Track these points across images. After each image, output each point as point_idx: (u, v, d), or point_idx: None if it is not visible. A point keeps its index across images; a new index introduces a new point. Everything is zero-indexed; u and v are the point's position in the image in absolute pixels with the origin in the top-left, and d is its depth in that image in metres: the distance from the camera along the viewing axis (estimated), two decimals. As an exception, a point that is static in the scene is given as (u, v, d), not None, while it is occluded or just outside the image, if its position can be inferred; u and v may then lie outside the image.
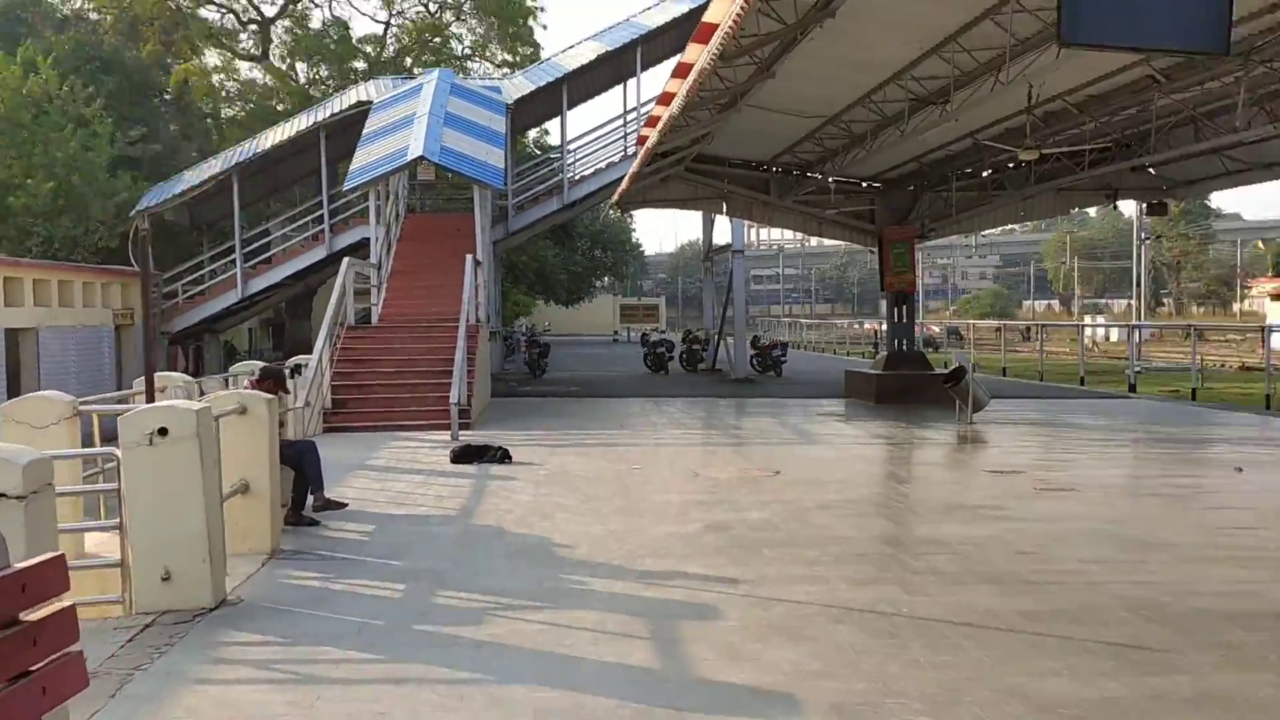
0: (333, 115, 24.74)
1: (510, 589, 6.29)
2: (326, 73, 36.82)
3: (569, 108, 26.30)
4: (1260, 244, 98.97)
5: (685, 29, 25.92)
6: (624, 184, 18.52)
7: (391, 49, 38.43)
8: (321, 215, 24.55)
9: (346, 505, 8.71)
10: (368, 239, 20.75)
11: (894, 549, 7.36)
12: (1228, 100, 12.94)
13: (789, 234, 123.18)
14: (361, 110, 24.00)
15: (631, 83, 27.44)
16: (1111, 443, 14.55)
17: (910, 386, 19.32)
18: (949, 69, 12.40)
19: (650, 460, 11.84)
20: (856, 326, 61.94)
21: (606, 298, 71.70)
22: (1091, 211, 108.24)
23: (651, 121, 17.80)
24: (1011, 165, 19.71)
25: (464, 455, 11.56)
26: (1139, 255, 47.75)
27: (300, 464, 8.37)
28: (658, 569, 6.79)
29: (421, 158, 19.04)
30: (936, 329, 57.33)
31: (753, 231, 59.85)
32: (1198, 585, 6.30)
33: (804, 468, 11.33)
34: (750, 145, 19.00)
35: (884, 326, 54.70)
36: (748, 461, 11.79)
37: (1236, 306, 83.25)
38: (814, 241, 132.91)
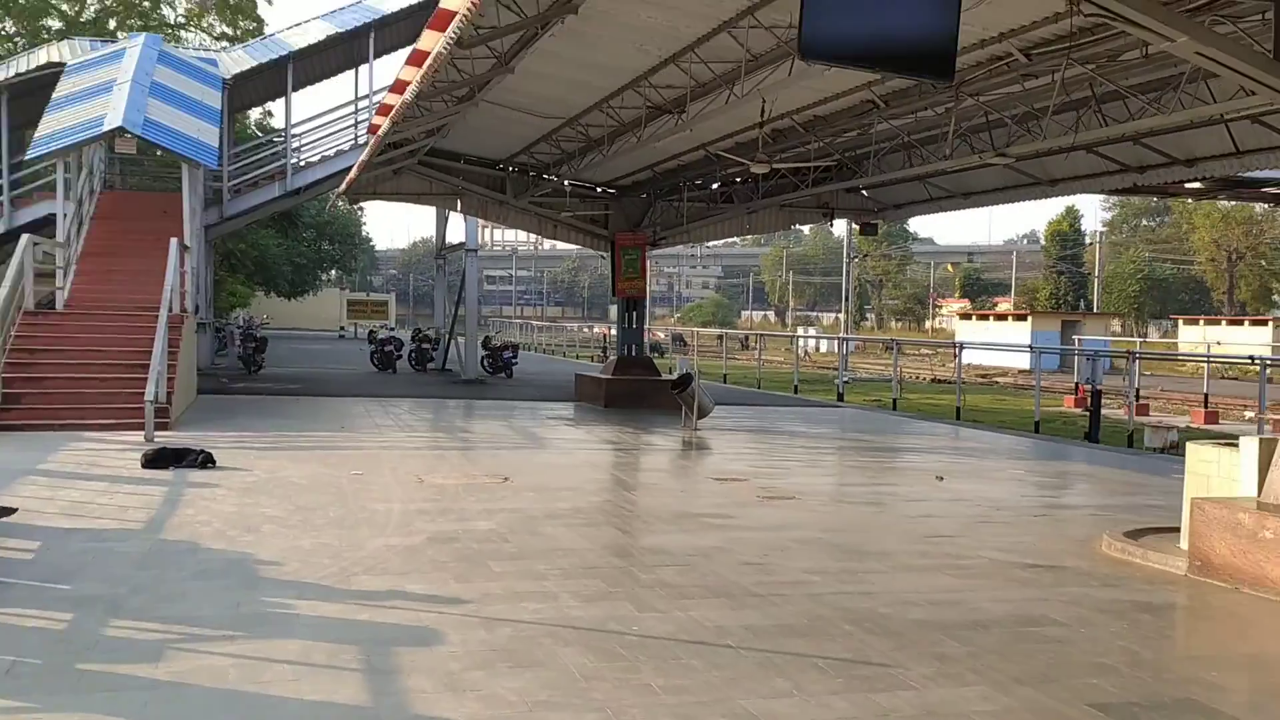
0: (18, 75, 21.99)
1: (200, 616, 5.55)
2: (14, 29, 32.97)
3: (294, 89, 24.76)
4: (950, 267, 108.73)
5: (421, 18, 25.07)
6: (353, 173, 17.58)
7: (92, 9, 34.94)
8: (0, 186, 21.79)
9: (15, 510, 7.55)
10: (55, 215, 18.61)
11: (623, 561, 7.16)
12: (936, 130, 13.79)
13: (523, 235, 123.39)
14: (53, 72, 21.45)
15: (364, 69, 26.27)
16: (826, 450, 15.19)
17: (639, 391, 19.51)
18: (686, 79, 12.49)
19: (372, 465, 11.15)
20: (586, 330, 62.74)
21: (333, 292, 68.84)
22: (805, 229, 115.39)
23: (384, 109, 16.99)
24: (739, 180, 20.34)
25: (158, 459, 10.43)
26: (847, 272, 51.03)
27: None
28: (374, 588, 6.24)
29: (121, 129, 17.22)
30: (662, 335, 58.94)
31: (487, 231, 59.29)
32: (912, 595, 6.46)
33: (534, 474, 11.01)
34: (487, 143, 18.54)
35: (613, 331, 55.89)
36: (476, 467, 11.34)
37: (929, 323, 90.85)
38: (547, 244, 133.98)
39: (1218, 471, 7.61)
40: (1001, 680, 4.90)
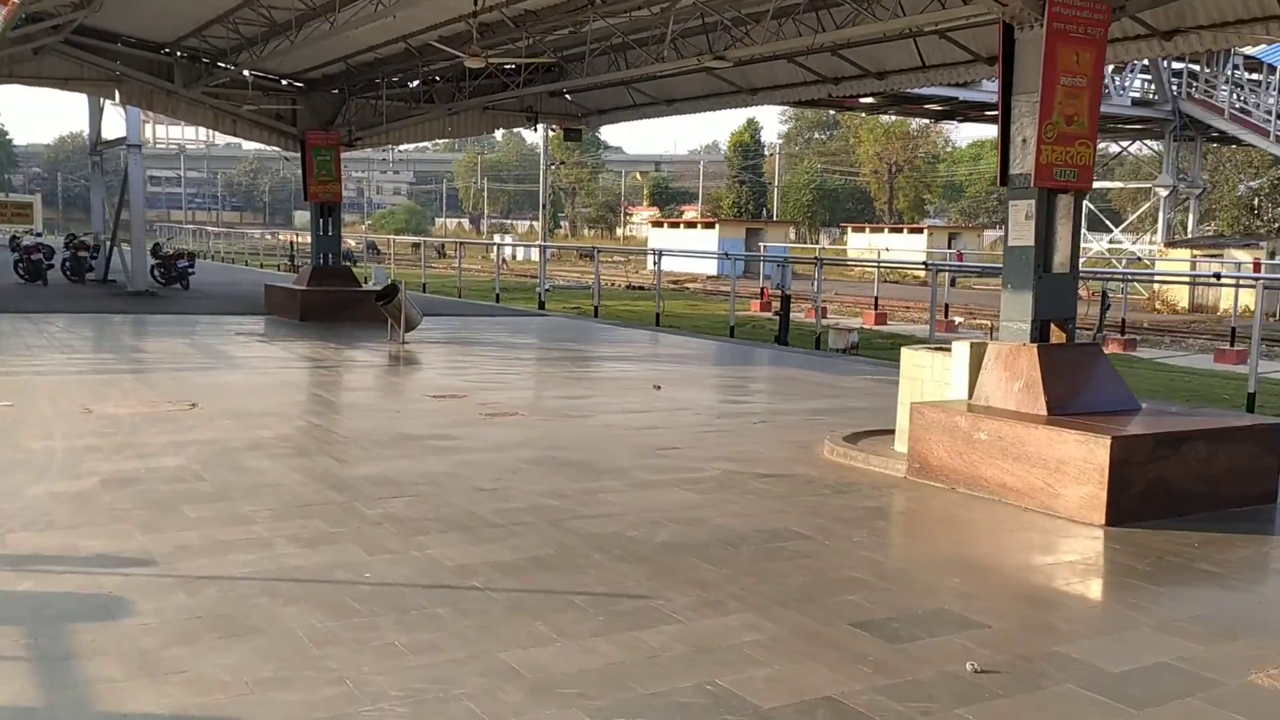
0: None
1: None
2: None
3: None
4: (639, 175, 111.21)
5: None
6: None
7: None
8: None
9: None
10: None
11: (344, 495, 6.43)
12: (648, 32, 13.46)
13: (191, 133, 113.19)
14: None
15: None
16: (541, 362, 14.85)
17: (337, 303, 18.28)
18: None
19: (25, 395, 9.58)
20: (270, 237, 58.82)
21: (-37, 192, 60.24)
22: (499, 135, 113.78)
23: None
24: (440, 79, 19.25)
25: None
26: (545, 180, 50.65)
27: None
28: (37, 549, 5.19)
29: None
30: (354, 243, 56.23)
31: (149, 127, 53.74)
32: (654, 515, 6.21)
33: (226, 398, 9.88)
34: (150, 21, 16.31)
35: (301, 238, 52.61)
36: (155, 392, 10.03)
37: (620, 231, 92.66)
38: (221, 142, 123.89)
39: (931, 376, 7.89)
40: (763, 604, 4.72)
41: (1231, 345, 22.60)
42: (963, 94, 30.57)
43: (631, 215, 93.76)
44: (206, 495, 6.32)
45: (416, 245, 57.22)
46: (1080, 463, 6.24)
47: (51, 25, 15.61)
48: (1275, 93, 33.51)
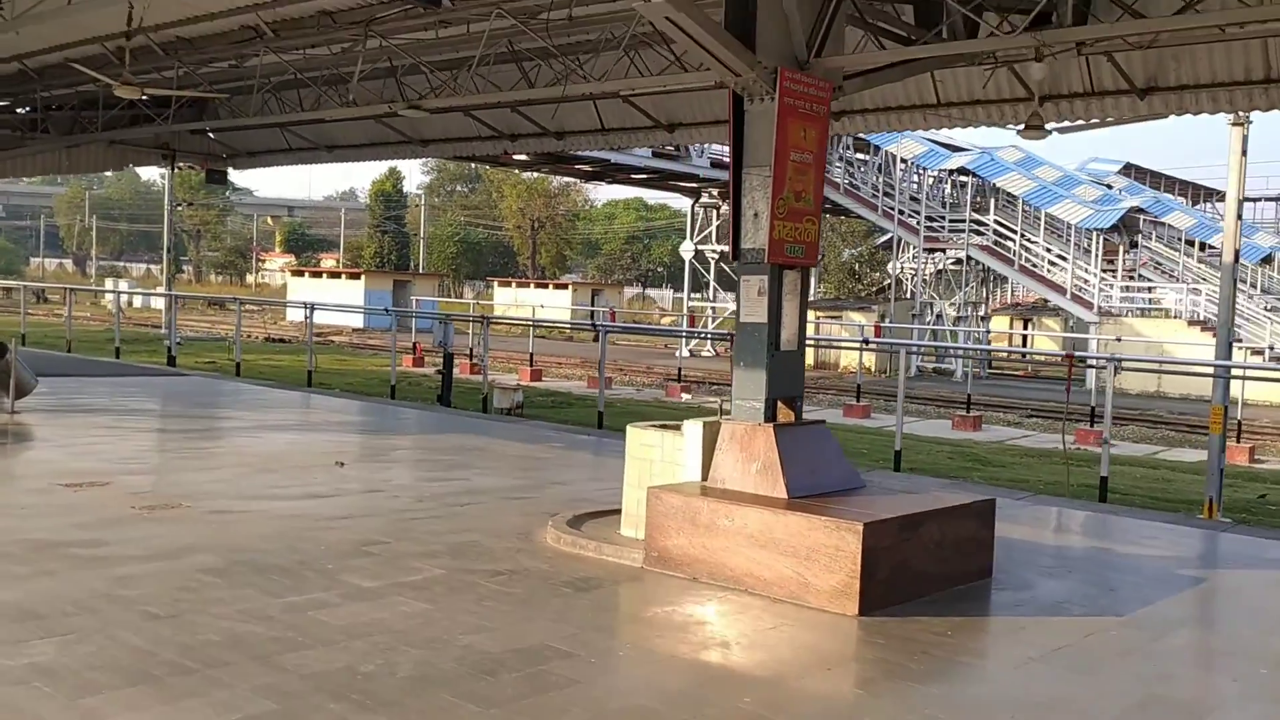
0: None
1: None
2: None
3: None
4: (270, 220, 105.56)
5: None
6: None
7: None
8: None
9: None
10: None
11: (-32, 640, 4.95)
12: (319, 73, 12.39)
13: None
14: None
15: None
16: (189, 433, 13.07)
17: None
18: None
19: None
20: None
21: None
22: (109, 172, 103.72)
23: None
24: (56, 107, 16.83)
25: None
26: (170, 222, 46.49)
27: None
28: None
29: None
30: None
31: None
32: (385, 639, 5.29)
33: None
34: None
35: None
36: None
37: (251, 278, 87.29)
38: None
39: (660, 456, 7.52)
40: (553, 755, 4.01)
41: (858, 400, 24.59)
42: (614, 156, 31.43)
43: (264, 261, 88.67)
44: None
45: (8, 290, 50.51)
46: (832, 550, 6.07)
47: None
48: (877, 171, 37.43)
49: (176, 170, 19.28)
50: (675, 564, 6.73)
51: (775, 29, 6.89)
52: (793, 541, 6.22)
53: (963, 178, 38.19)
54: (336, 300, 44.84)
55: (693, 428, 7.33)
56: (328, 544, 7.20)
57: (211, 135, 18.81)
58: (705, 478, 7.14)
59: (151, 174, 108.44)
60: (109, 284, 64.78)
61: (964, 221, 34.85)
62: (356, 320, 46.15)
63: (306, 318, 24.01)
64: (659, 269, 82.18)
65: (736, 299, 7.29)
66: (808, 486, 6.80)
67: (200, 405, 15.64)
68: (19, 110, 16.88)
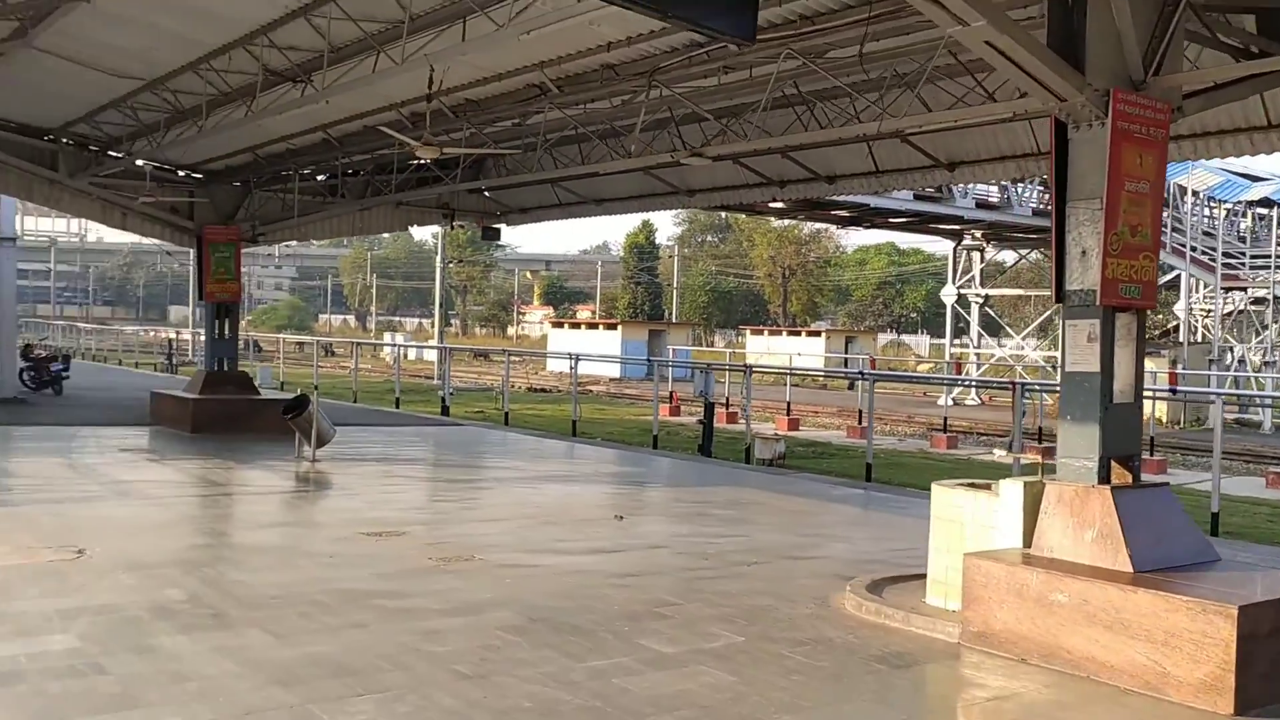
0: None
1: None
2: None
3: None
4: (529, 274, 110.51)
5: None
6: None
7: None
8: None
9: None
10: None
11: (295, 695, 4.98)
12: (595, 127, 12.55)
13: (63, 224, 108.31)
14: None
15: None
16: (475, 485, 13.45)
17: (234, 413, 16.57)
18: (318, 39, 10.19)
19: None
20: (145, 334, 55.79)
21: None
22: (386, 234, 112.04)
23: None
24: (351, 173, 18.03)
25: None
26: (442, 278, 49.36)
27: None
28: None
29: None
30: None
31: (19, 218, 50.71)
32: (693, 713, 4.96)
33: (119, 540, 8.26)
34: (33, 104, 14.70)
35: (178, 335, 49.86)
36: (32, 533, 8.33)
37: (511, 330, 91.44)
38: (93, 237, 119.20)
39: (972, 518, 6.87)
40: None
41: (1150, 454, 22.44)
42: (874, 200, 30.62)
43: (524, 314, 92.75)
44: (111, 700, 4.81)
45: (301, 344, 55.04)
46: (1197, 637, 5.24)
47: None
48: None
49: (451, 229, 20.12)
50: (999, 642, 6.06)
51: (1106, 47, 6.22)
52: (1146, 623, 5.44)
53: (1263, 209, 34.75)
54: (594, 350, 45.97)
55: (1011, 488, 6.65)
56: (619, 604, 6.99)
57: (486, 194, 19.60)
58: (1028, 545, 6.44)
59: (423, 234, 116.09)
60: (387, 338, 69.56)
61: (1269, 257, 31.57)
62: (613, 370, 47.17)
63: (571, 368, 24.55)
64: (912, 314, 79.81)
65: (1061, 346, 6.58)
66: (1155, 559, 5.97)
67: (477, 454, 16.14)
68: (319, 178, 18.22)
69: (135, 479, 11.89)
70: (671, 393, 33.12)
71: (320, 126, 13.86)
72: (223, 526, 9.77)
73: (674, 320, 62.66)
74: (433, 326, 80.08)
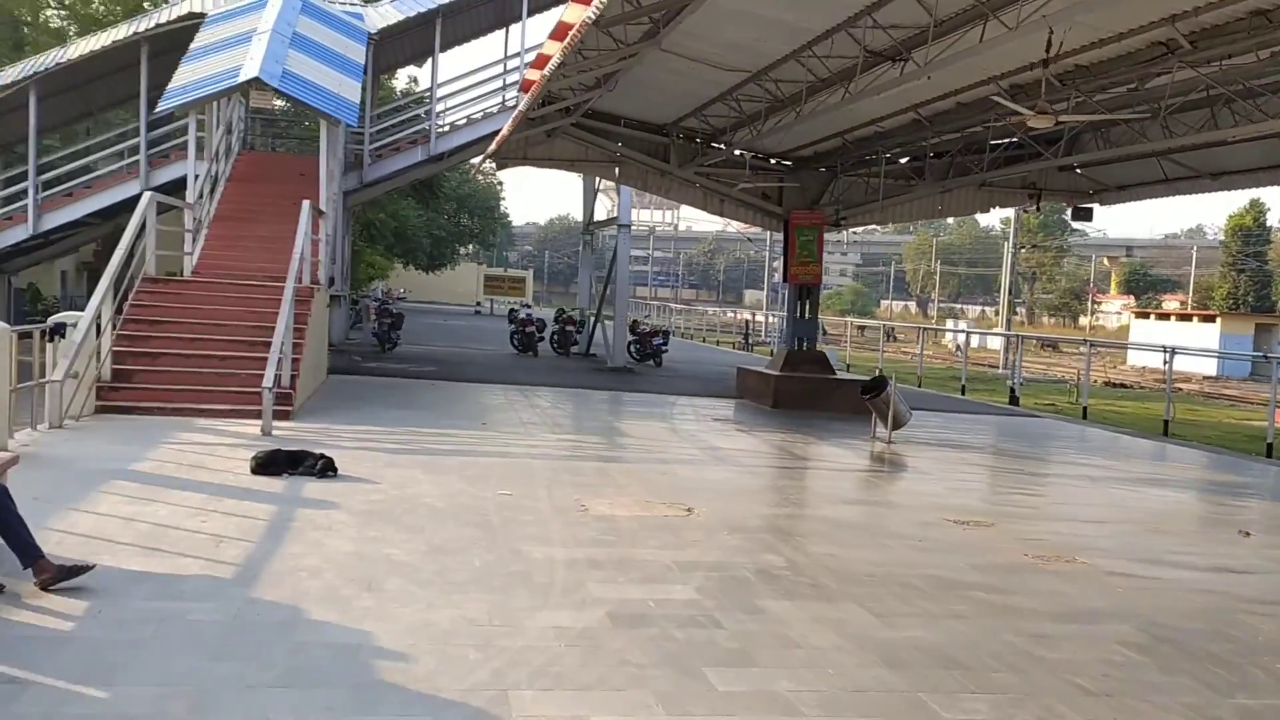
0: (158, 26, 20.70)
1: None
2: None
3: (442, 49, 22.98)
4: (1106, 260, 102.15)
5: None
6: (505, 129, 15.59)
7: None
8: (138, 144, 20.63)
9: (89, 569, 5.53)
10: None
11: (902, 678, 4.84)
12: (1227, 88, 10.94)
13: (658, 215, 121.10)
14: (194, 23, 20.16)
15: (515, 27, 24.48)
16: (1055, 478, 12.55)
17: (812, 391, 17.13)
18: (920, 15, 9.99)
19: (521, 481, 9.11)
20: (726, 314, 60.37)
21: (471, 266, 67.80)
22: (950, 220, 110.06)
23: (540, 61, 15.05)
24: (933, 155, 17.67)
25: (270, 464, 8.59)
26: (1012, 264, 47.27)
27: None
28: (546, 716, 4.11)
29: (256, 79, 15.66)
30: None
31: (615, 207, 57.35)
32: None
33: (719, 501, 8.79)
34: (653, 103, 16.33)
35: (754, 317, 53.19)
36: (647, 489, 9.17)
37: (1084, 320, 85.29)
38: (683, 225, 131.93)
39: None
40: None
41: None
42: None
43: (1100, 303, 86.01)
44: (730, 655, 5.01)
45: (862, 328, 55.98)
46: None
47: (563, 107, 16.08)
48: None
49: (1038, 210, 18.94)
50: None
51: None
52: None
53: None
54: (1187, 344, 41.21)
55: None
56: (1264, 635, 5.97)
57: (1078, 170, 18.21)
58: None
59: (990, 220, 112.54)
60: (949, 324, 68.34)
61: None
62: (1208, 367, 42.02)
63: (1166, 362, 22.12)
64: None
65: None
66: None
67: (1055, 448, 15.07)
68: (901, 160, 18.16)
69: (728, 446, 12.69)
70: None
71: (911, 107, 13.72)
72: (808, 498, 10.04)
73: (1288, 313, 54.07)
74: (997, 314, 77.17)
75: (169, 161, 21.00)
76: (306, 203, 14.43)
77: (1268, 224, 68.54)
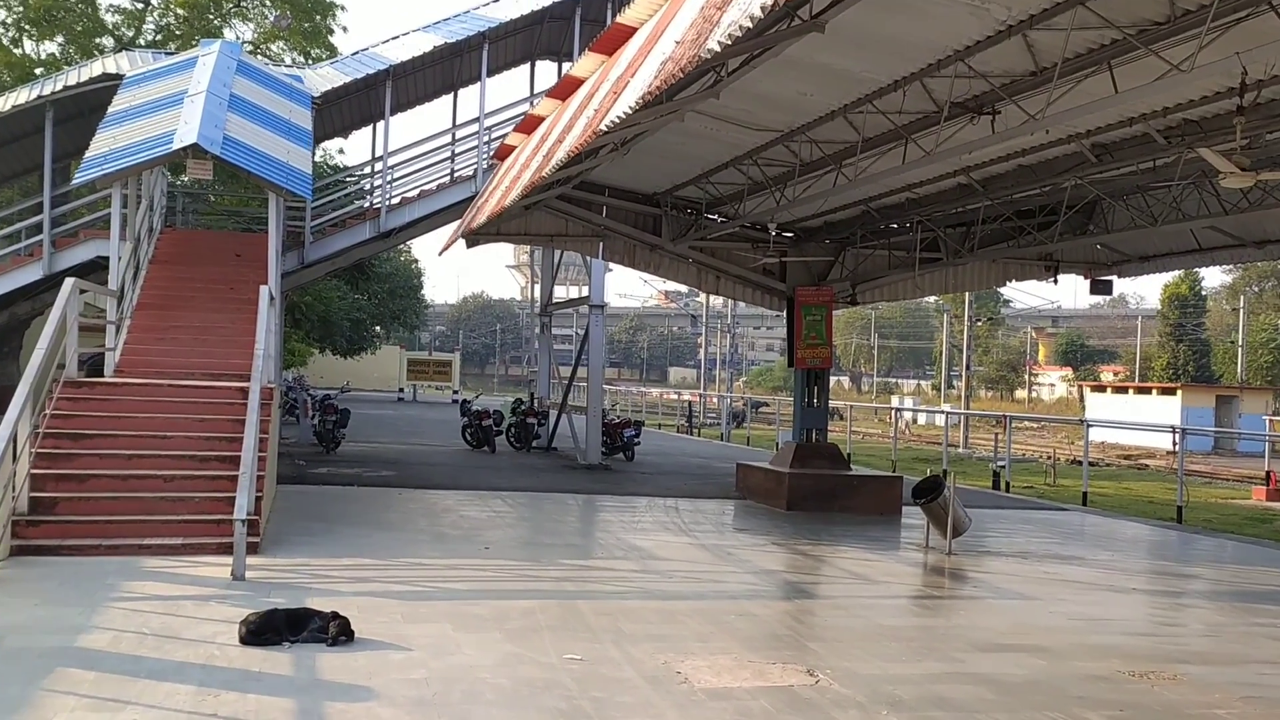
0: (66, 88, 18.13)
1: None
2: (61, 50, 29.33)
3: (392, 112, 20.97)
4: (1034, 332, 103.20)
5: (538, 30, 21.51)
6: (493, 208, 13.64)
7: (150, 30, 31.21)
8: (40, 223, 17.92)
9: None
10: (106, 258, 14.92)
11: None
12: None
13: (574, 291, 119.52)
14: (109, 86, 17.78)
15: (464, 91, 22.92)
16: (1172, 595, 10.82)
17: (828, 490, 15.26)
18: (1027, 59, 8.40)
19: (580, 634, 7.03)
20: (660, 395, 58.43)
21: (392, 350, 64.77)
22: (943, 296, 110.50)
23: (529, 123, 13.34)
24: (953, 225, 16.20)
25: (265, 629, 6.41)
26: (969, 340, 46.64)
27: None
28: None
29: (195, 146, 13.51)
30: (741, 402, 54.15)
31: (537, 286, 55.47)
32: None
33: (834, 658, 6.79)
34: (648, 169, 14.59)
35: (697, 399, 51.45)
36: (737, 641, 7.13)
37: (1021, 393, 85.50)
38: (599, 302, 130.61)
39: None
40: None
41: None
42: None
43: (1037, 375, 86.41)
44: None
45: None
46: None
47: (552, 182, 14.24)
48: None
49: (1055, 282, 17.61)
50: None
51: None
52: None
53: None
54: (1144, 419, 40.49)
55: None
56: None
57: (1099, 245, 16.95)
58: None
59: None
60: (893, 400, 67.50)
61: None
62: (1164, 441, 41.35)
63: (1177, 445, 20.91)
64: None
65: None
66: None
67: (1128, 552, 13.44)
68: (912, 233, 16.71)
69: (779, 569, 10.68)
70: (1269, 472, 27.66)
71: (963, 170, 12.18)
72: (935, 644, 7.83)
73: (1243, 383, 53.94)
74: (934, 389, 76.69)
75: (77, 241, 18.37)
76: (264, 288, 12.27)
77: (1202, 293, 69.48)
